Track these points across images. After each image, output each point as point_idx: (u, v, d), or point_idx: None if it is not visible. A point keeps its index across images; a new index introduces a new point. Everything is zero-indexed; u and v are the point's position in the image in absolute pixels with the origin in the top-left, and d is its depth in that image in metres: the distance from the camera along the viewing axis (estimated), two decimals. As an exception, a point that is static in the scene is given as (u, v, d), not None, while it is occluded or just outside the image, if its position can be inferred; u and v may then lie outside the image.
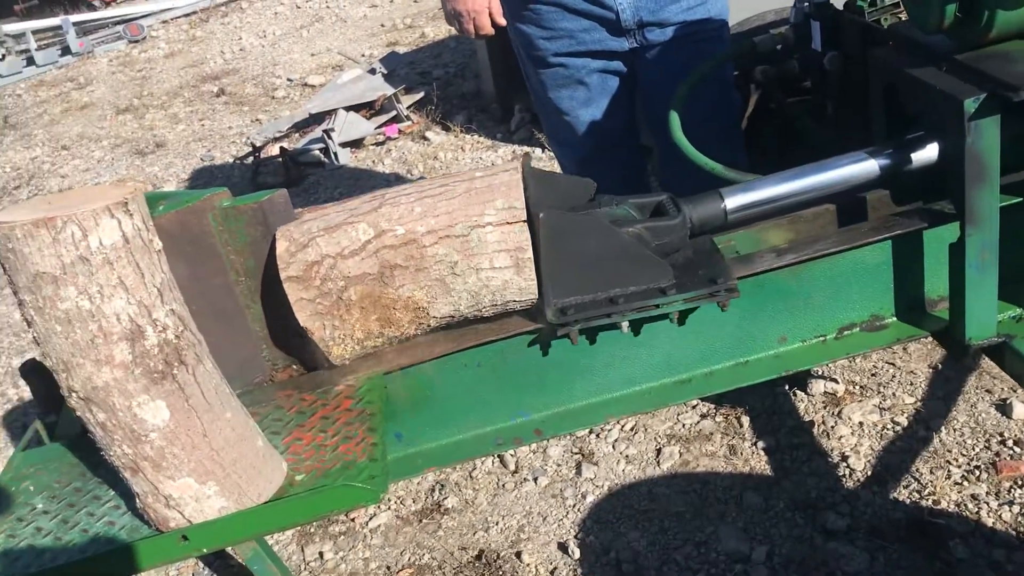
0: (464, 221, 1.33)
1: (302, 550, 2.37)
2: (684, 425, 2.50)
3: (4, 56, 8.71)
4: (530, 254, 1.40)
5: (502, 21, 2.36)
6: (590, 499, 2.33)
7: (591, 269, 1.55)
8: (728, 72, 2.42)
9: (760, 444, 2.37)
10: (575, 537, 2.23)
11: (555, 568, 2.17)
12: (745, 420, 2.45)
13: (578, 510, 2.31)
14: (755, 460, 2.33)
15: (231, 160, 5.46)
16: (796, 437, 2.37)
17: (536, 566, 2.18)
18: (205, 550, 1.35)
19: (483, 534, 2.30)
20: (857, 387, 2.50)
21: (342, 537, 2.38)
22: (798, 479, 2.25)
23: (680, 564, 2.09)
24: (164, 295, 1.14)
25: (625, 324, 1.74)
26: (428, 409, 1.79)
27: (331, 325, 1.36)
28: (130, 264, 1.10)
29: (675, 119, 2.08)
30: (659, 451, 2.43)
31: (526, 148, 4.61)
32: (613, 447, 2.48)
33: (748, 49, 2.21)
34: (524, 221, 1.37)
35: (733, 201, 1.76)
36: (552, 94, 2.49)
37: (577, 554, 2.18)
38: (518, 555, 2.21)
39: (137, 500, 1.24)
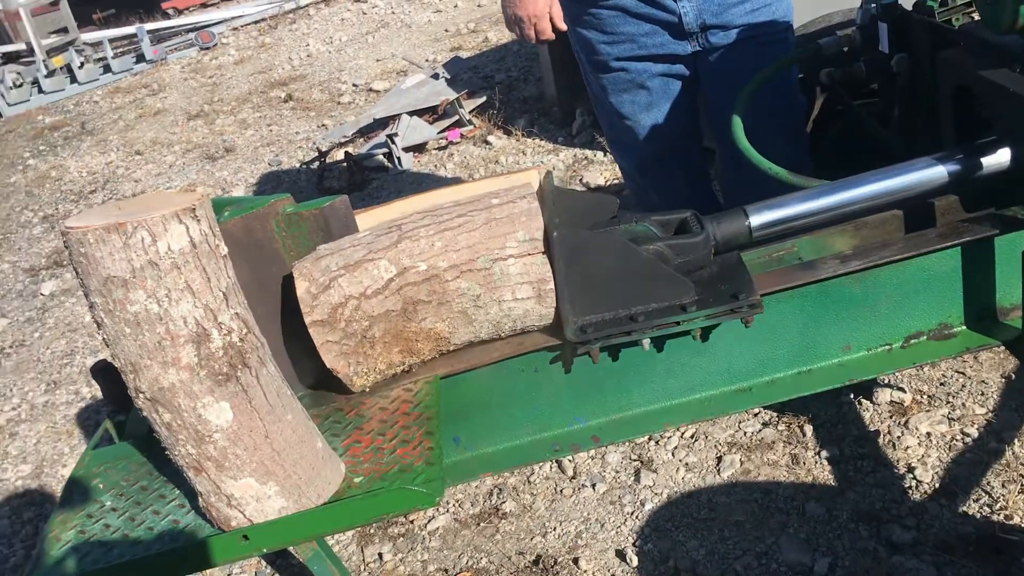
0: (486, 254, 1.33)
1: (361, 551, 2.40)
2: (745, 433, 2.47)
3: (83, 64, 9.00)
4: (552, 284, 1.41)
5: (563, 26, 2.36)
6: (649, 506, 2.31)
7: (610, 287, 1.53)
8: (793, 75, 2.38)
9: (823, 454, 2.33)
10: (633, 544, 2.22)
11: (613, 575, 2.16)
12: (808, 429, 2.41)
13: (636, 517, 2.30)
14: (818, 470, 2.29)
15: (298, 165, 5.55)
16: (861, 447, 2.32)
17: (594, 573, 2.17)
18: (265, 550, 1.38)
19: (540, 539, 2.30)
20: (925, 396, 2.44)
21: (401, 539, 2.40)
22: (862, 490, 2.20)
23: (740, 574, 2.06)
24: (229, 299, 1.17)
25: (646, 342, 1.72)
26: (486, 414, 1.80)
27: (355, 362, 1.37)
28: (197, 269, 1.13)
29: (738, 123, 2.06)
30: (719, 459, 2.40)
31: (587, 152, 4.60)
32: (672, 454, 2.46)
33: (813, 52, 2.18)
34: (544, 252, 1.35)
35: (758, 219, 1.74)
36: (613, 99, 2.49)
37: (635, 562, 2.16)
38: (575, 561, 2.21)
39: (200, 499, 1.27)
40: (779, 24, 2.31)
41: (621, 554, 2.20)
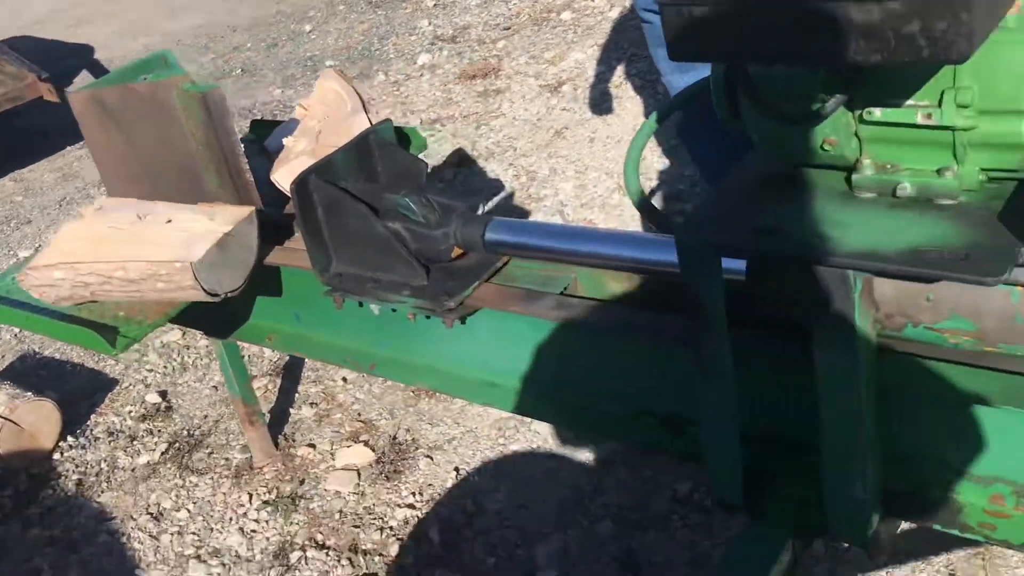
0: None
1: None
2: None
3: None
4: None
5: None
6: (513, 447, 2.43)
7: (362, 248, 1.78)
8: None
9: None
10: (468, 463, 2.39)
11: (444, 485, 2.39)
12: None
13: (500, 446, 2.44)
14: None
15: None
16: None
17: (426, 478, 2.42)
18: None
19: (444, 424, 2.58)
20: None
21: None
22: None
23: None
24: None
25: (375, 307, 1.87)
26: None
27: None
28: None
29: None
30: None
31: None
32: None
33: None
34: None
35: (494, 234, 1.74)
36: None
37: (472, 479, 2.36)
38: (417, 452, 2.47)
39: None
40: None
41: (457, 470, 2.41)
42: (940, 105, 1.06)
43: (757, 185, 1.29)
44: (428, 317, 1.80)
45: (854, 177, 1.18)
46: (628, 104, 4.27)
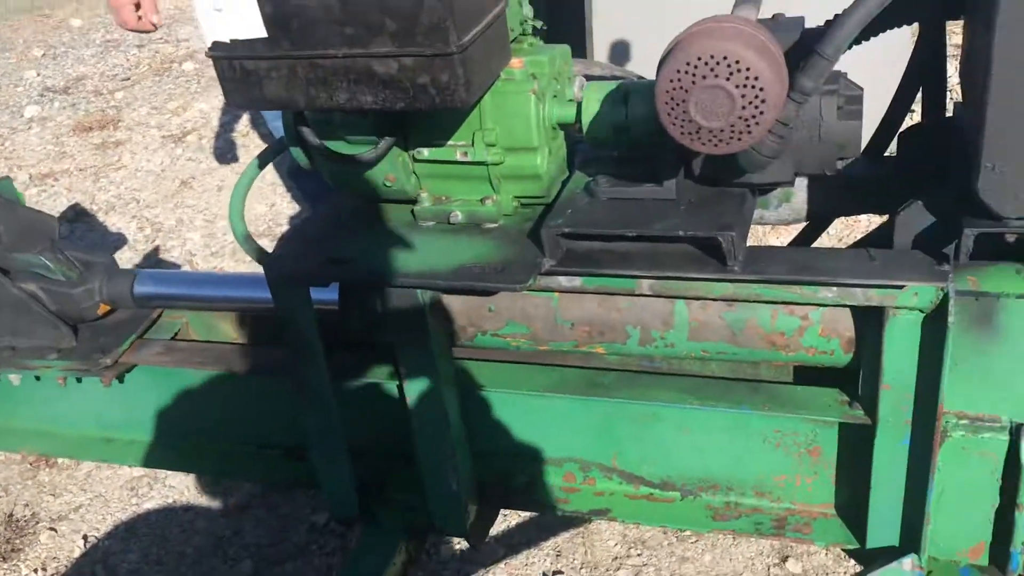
0: None
1: None
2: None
3: None
4: None
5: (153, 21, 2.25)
6: (148, 504, 2.36)
7: None
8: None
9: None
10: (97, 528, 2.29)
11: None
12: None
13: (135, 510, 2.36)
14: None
15: None
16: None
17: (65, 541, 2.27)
18: None
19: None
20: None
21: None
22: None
23: None
24: None
25: (16, 376, 1.76)
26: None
27: None
28: None
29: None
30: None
31: None
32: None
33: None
34: None
35: (144, 288, 1.71)
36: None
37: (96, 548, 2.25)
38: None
39: None
40: None
41: (86, 538, 2.29)
42: (473, 144, 1.25)
43: (337, 219, 1.42)
44: (79, 380, 1.73)
45: (415, 208, 1.35)
46: (255, 151, 4.27)
